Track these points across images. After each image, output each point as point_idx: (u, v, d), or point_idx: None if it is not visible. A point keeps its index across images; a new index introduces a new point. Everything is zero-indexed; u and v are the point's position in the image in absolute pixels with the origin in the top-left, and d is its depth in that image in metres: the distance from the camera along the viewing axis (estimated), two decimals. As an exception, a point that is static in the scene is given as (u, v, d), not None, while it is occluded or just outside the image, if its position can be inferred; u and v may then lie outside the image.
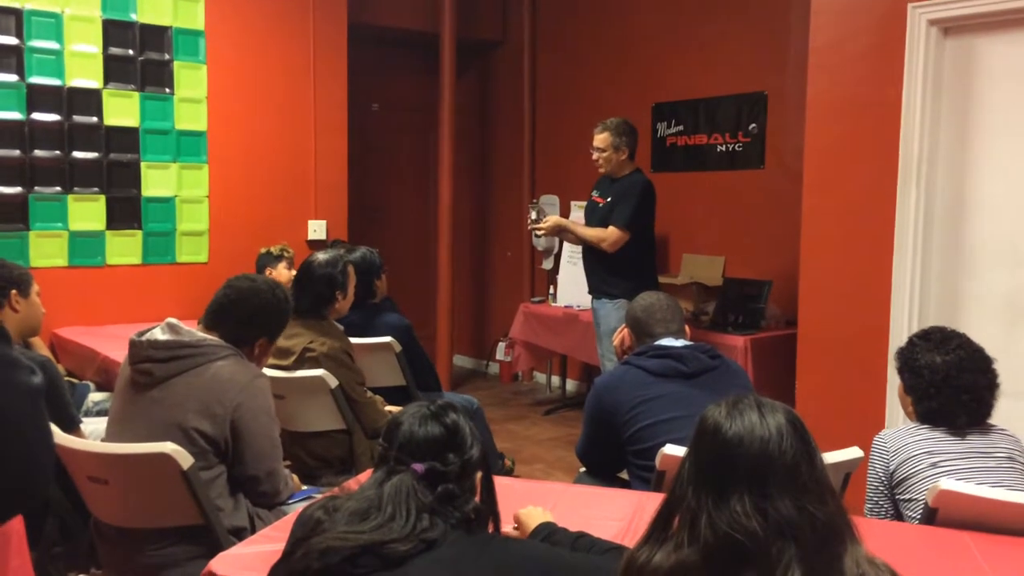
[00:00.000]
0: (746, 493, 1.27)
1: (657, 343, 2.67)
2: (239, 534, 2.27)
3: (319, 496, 2.16)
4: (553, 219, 4.73)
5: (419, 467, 1.52)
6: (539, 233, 4.76)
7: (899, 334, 3.52)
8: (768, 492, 1.26)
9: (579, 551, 1.67)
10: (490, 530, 1.62)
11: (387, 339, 3.69)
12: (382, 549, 1.40)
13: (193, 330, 2.38)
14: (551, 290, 6.20)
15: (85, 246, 4.90)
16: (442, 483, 1.52)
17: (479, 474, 1.60)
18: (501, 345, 6.81)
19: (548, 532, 1.77)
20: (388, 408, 3.38)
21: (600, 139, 4.56)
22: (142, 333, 2.36)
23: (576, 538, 1.72)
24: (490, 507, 1.62)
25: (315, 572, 1.40)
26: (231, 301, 2.44)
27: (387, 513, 1.45)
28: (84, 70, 4.83)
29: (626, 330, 2.85)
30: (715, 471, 1.30)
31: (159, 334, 2.35)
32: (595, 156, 4.60)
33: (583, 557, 1.61)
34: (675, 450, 2.25)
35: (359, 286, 3.79)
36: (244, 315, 2.43)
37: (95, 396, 3.87)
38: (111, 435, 2.37)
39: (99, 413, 3.78)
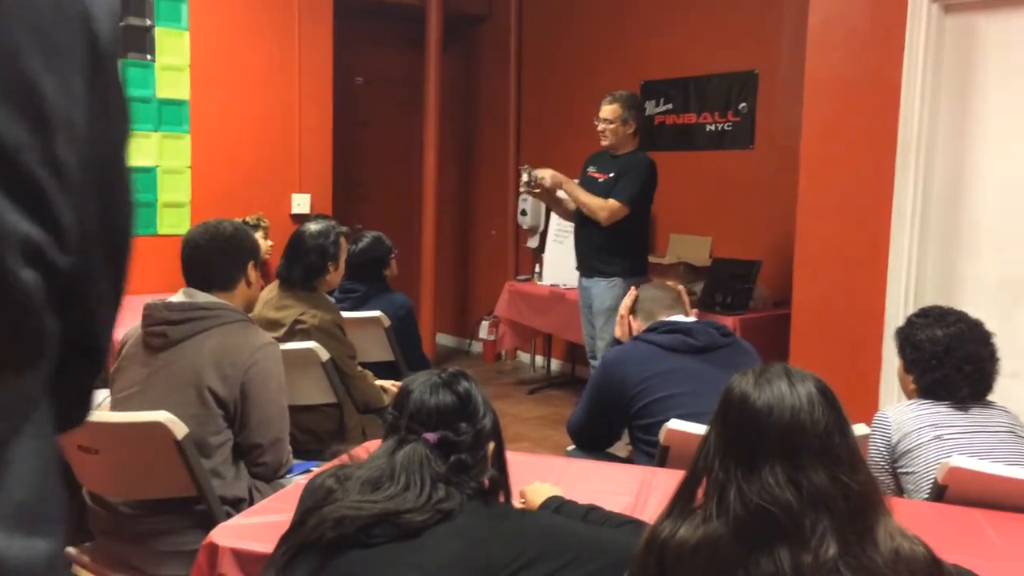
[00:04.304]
0: (778, 464, 1.23)
1: (667, 319, 2.65)
2: (237, 505, 2.23)
3: (317, 468, 2.11)
4: (550, 171, 4.48)
5: (431, 436, 1.48)
6: (534, 191, 4.50)
7: (895, 315, 3.51)
8: (801, 463, 1.23)
9: (592, 524, 1.63)
10: (501, 501, 1.58)
11: (376, 313, 3.63)
12: (398, 519, 1.36)
13: (208, 295, 2.37)
14: (536, 268, 6.15)
15: (63, 215, 4.78)
16: (454, 453, 1.48)
17: (491, 445, 1.56)
18: (484, 323, 6.76)
19: (558, 505, 1.73)
20: (378, 383, 3.33)
21: (609, 110, 4.47)
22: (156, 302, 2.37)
23: (587, 511, 1.68)
24: (502, 478, 1.58)
25: (329, 541, 1.35)
26: (200, 251, 2.42)
27: (400, 483, 1.41)
28: (63, 34, 4.69)
29: (636, 322, 2.81)
30: (744, 442, 1.27)
31: (174, 298, 2.35)
32: (601, 127, 4.50)
33: (600, 530, 1.57)
34: (680, 425, 2.22)
35: (370, 271, 3.75)
36: (219, 254, 2.42)
37: (75, 368, 3.78)
38: (120, 402, 2.32)
39: (79, 385, 3.69)
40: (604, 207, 4.40)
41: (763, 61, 5.20)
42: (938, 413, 2.30)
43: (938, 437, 2.25)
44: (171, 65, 5.02)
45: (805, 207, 3.94)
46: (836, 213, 3.82)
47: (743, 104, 5.34)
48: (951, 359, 2.31)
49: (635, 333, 2.80)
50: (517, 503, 1.81)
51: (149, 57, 4.95)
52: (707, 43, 5.46)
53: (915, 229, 3.57)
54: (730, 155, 5.43)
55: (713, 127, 5.53)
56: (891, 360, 3.54)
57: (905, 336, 2.46)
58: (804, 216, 3.95)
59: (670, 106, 5.74)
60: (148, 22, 4.93)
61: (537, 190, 4.51)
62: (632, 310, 2.84)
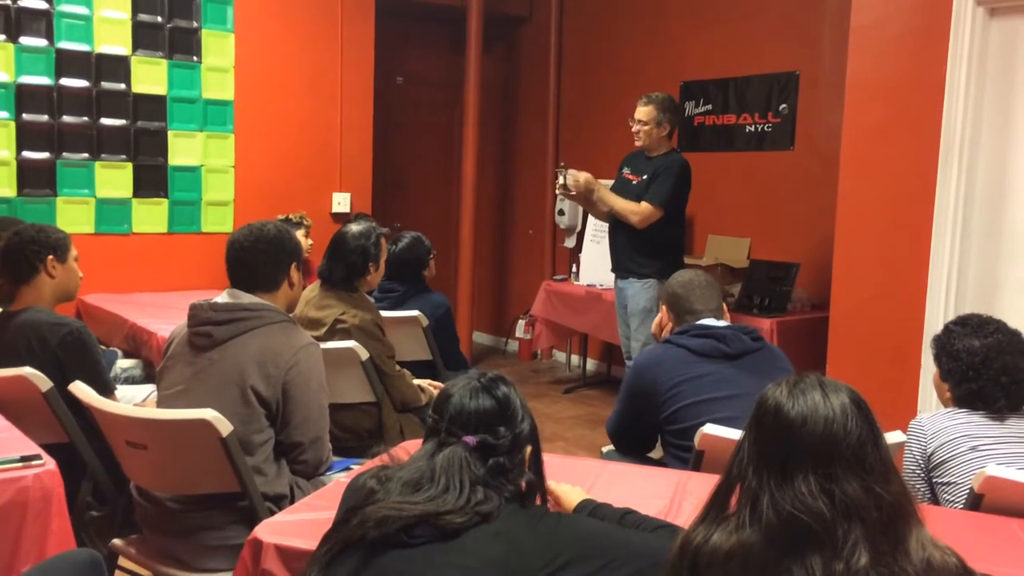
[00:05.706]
0: (811, 473, 1.25)
1: (699, 323, 2.64)
2: (279, 501, 2.27)
3: (357, 467, 2.16)
4: (584, 175, 4.48)
5: (470, 439, 1.51)
6: (569, 193, 4.52)
7: (935, 319, 3.49)
8: (834, 472, 1.24)
9: (627, 527, 1.65)
10: (538, 504, 1.61)
11: (415, 313, 3.67)
12: (438, 520, 1.39)
13: (252, 296, 2.41)
14: (573, 268, 6.17)
15: (112, 213, 4.90)
16: (493, 456, 1.51)
17: (528, 448, 1.59)
18: (521, 323, 6.79)
19: (593, 508, 1.75)
20: (416, 382, 3.37)
21: (643, 112, 4.48)
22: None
23: (623, 514, 1.70)
24: (539, 482, 1.61)
25: (371, 540, 1.39)
26: (245, 253, 2.44)
27: (440, 485, 1.44)
28: (113, 36, 4.81)
29: (663, 311, 2.80)
30: (778, 451, 1.28)
31: (219, 299, 2.40)
32: (635, 128, 4.51)
33: (635, 534, 1.59)
34: (715, 430, 2.23)
35: (409, 271, 3.79)
36: (263, 255, 2.44)
37: (123, 363, 3.88)
38: (166, 399, 2.38)
39: (127, 380, 3.79)
40: (636, 211, 4.41)
41: (804, 62, 5.17)
42: (973, 423, 2.28)
43: (973, 448, 2.23)
44: (217, 66, 5.12)
45: (845, 209, 3.92)
46: (876, 216, 3.79)
47: (783, 105, 5.32)
48: (988, 370, 2.29)
49: (663, 323, 2.80)
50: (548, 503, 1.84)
51: (196, 59, 5.05)
52: (748, 44, 5.44)
53: (957, 233, 3.53)
54: (770, 156, 5.41)
55: (753, 128, 5.51)
56: (930, 365, 3.51)
57: (942, 345, 2.44)
58: (844, 218, 3.92)
59: (710, 107, 5.72)
60: (195, 24, 5.03)
61: (572, 193, 4.53)
62: (661, 298, 2.83)
